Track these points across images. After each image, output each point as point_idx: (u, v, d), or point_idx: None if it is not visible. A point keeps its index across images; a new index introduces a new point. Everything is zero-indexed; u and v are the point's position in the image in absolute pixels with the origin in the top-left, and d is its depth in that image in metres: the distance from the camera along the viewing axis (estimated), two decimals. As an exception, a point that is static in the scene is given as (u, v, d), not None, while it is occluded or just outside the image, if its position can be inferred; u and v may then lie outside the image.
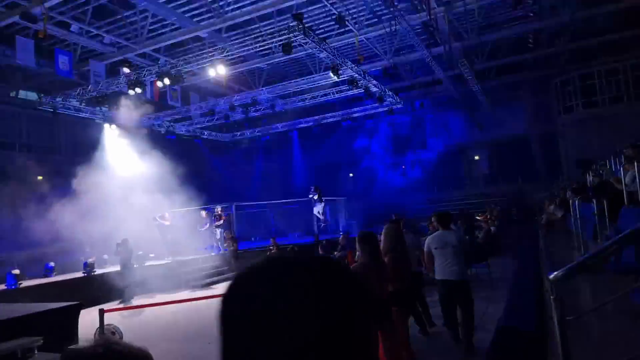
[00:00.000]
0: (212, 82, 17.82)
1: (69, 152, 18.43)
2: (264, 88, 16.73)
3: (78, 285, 10.64)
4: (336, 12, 13.75)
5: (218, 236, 15.54)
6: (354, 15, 14.39)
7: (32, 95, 17.22)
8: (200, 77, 16.26)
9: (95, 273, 11.74)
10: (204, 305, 8.90)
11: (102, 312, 5.89)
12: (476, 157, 24.41)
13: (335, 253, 11.39)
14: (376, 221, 19.55)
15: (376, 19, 14.88)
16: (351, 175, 23.18)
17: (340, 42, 15.20)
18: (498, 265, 9.89)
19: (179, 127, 18.47)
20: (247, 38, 14.01)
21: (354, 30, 14.40)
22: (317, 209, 16.66)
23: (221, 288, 12.20)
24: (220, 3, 12.69)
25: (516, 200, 21.02)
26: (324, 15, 14.94)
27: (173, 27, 14.13)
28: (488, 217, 17.01)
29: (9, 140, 17.58)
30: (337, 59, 13.24)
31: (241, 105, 16.80)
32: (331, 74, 13.69)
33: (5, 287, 9.97)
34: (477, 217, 17.21)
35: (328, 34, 15.44)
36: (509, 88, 21.64)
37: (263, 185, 20.32)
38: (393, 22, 13.53)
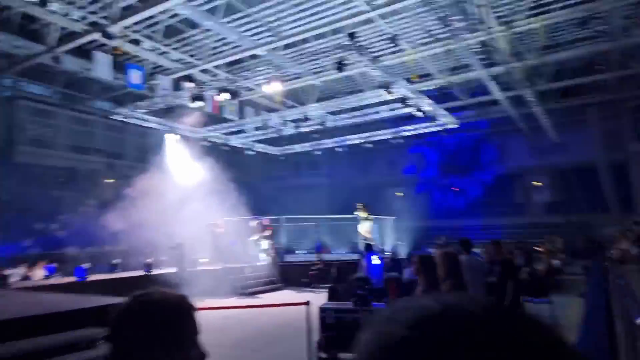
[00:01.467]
0: (266, 97, 18.56)
1: (134, 158, 19.92)
2: (315, 104, 17.11)
3: (137, 283, 11.14)
4: (390, 32, 13.87)
5: (265, 247, 15.92)
6: (408, 35, 14.40)
7: (106, 105, 18.95)
8: (256, 92, 17.02)
9: (153, 273, 12.34)
10: (251, 313, 9.17)
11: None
12: (535, 184, 23.07)
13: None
14: (425, 243, 19.05)
15: (431, 39, 14.78)
16: (399, 194, 22.79)
17: (393, 61, 15.24)
18: (562, 302, 9.19)
19: (233, 139, 19.35)
20: (301, 56, 14.52)
21: (408, 49, 14.41)
22: (364, 227, 16.53)
23: (268, 298, 12.42)
24: (279, 23, 13.27)
25: (581, 232, 19.54)
26: (378, 34, 15.09)
27: (234, 45, 14.95)
28: (548, 248, 15.97)
29: (84, 145, 19.39)
30: (390, 77, 13.29)
31: (293, 121, 17.30)
32: (383, 92, 13.74)
33: (76, 280, 10.75)
34: (536, 248, 16.21)
35: (381, 52, 15.55)
36: (575, 112, 20.37)
37: (310, 200, 20.58)
38: (449, 42, 13.38)
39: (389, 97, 14.27)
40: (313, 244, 18.55)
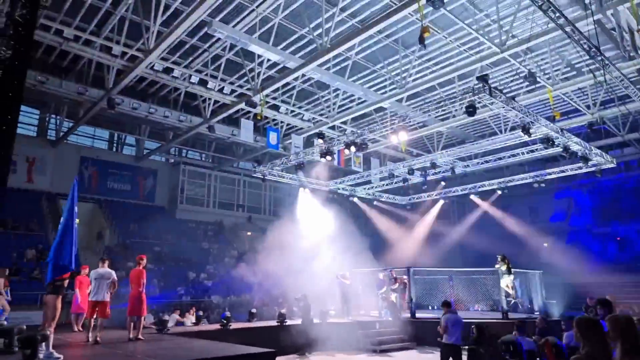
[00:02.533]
0: (391, 147, 18.65)
1: (270, 212, 21.55)
2: (442, 151, 16.59)
3: (270, 333, 11.51)
4: (525, 70, 13.00)
5: (394, 300, 15.26)
6: (547, 71, 13.32)
7: (248, 165, 21.17)
8: (381, 143, 17.24)
9: (286, 323, 12.60)
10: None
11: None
12: None
13: (534, 337, 9.80)
14: (581, 302, 16.18)
15: (574, 72, 13.44)
16: (546, 245, 20.09)
17: (530, 100, 14.15)
18: None
19: (360, 190, 19.66)
20: (427, 104, 14.40)
21: (547, 85, 13.26)
22: (506, 282, 14.81)
23: (400, 357, 11.68)
24: (403, 75, 13.53)
25: None
26: (511, 74, 14.29)
27: (359, 101, 15.61)
28: None
29: (229, 201, 21.74)
30: (528, 117, 12.25)
31: (419, 169, 16.93)
32: (521, 133, 12.66)
33: (220, 326, 11.54)
34: None
35: (516, 92, 14.60)
36: None
37: (440, 251, 19.41)
38: (598, 74, 11.94)
39: (528, 138, 13.07)
40: (446, 300, 17.16)
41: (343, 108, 16.09)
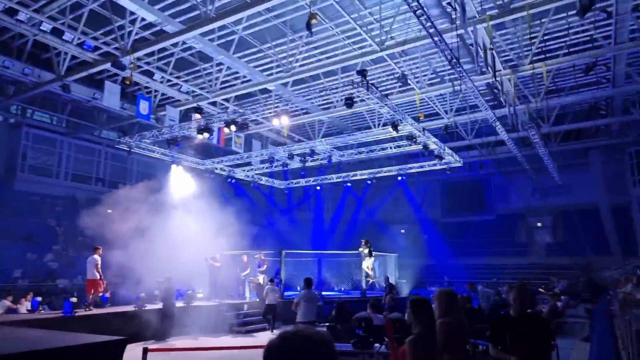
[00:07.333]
0: (273, 131, 18.58)
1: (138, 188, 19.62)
2: (322, 139, 17.13)
3: (125, 319, 10.66)
4: (399, 71, 14.10)
5: (262, 282, 15.43)
6: (417, 75, 14.65)
7: (113, 135, 18.88)
8: (264, 125, 17.04)
9: (145, 308, 11.81)
10: (245, 354, 8.69)
11: (146, 351, 5.87)
12: (539, 224, 22.98)
13: (384, 314, 10.80)
14: (427, 282, 18.67)
15: (439, 79, 15.04)
16: (402, 231, 22.55)
17: (401, 100, 15.42)
18: (566, 345, 8.84)
19: (239, 171, 19.19)
20: (311, 92, 14.64)
21: (416, 88, 14.60)
22: (367, 264, 16.18)
23: (264, 336, 11.90)
24: (290, 59, 13.48)
25: (583, 274, 19.33)
26: (387, 73, 15.35)
27: (244, 79, 15.10)
28: (553, 290, 15.83)
29: (86, 174, 19.16)
30: (398, 115, 13.35)
31: (299, 155, 17.23)
32: (390, 129, 13.76)
33: (62, 314, 10.22)
34: (540, 290, 15.98)
35: (390, 91, 15.75)
36: (578, 154, 20.61)
37: (313, 235, 20.27)
38: (456, 83, 13.57)
39: (396, 134, 14.29)
40: (314, 281, 18.05)
41: (226, 85, 15.38)
